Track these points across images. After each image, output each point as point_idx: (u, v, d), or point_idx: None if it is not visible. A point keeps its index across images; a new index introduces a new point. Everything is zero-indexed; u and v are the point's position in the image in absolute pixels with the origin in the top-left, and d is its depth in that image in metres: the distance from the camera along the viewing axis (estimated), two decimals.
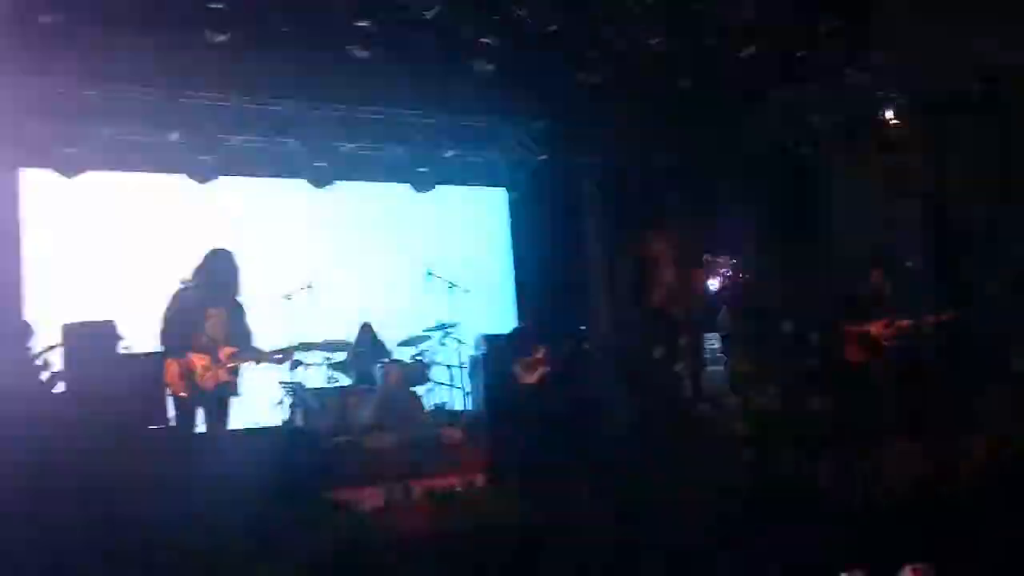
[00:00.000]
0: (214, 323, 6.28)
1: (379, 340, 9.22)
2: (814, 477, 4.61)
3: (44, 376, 6.34)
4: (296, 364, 8.51)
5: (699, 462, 4.72)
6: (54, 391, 6.24)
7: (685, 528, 4.27)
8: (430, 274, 9.67)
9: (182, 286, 6.38)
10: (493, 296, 10.69)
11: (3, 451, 4.57)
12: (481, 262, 10.70)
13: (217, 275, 6.35)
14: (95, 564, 3.44)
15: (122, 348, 6.36)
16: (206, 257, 6.46)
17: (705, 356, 8.32)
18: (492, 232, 11.00)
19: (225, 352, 6.19)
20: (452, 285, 9.59)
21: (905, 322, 7.53)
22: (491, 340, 9.67)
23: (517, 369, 8.98)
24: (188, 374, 6.05)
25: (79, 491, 3.85)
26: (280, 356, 6.66)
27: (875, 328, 7.57)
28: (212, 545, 3.63)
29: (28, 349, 6.71)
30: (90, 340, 6.16)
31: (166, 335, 6.23)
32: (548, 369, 8.94)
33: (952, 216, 8.43)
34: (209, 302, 6.31)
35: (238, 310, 6.53)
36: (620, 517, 4.33)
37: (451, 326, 9.43)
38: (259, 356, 6.50)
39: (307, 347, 7.24)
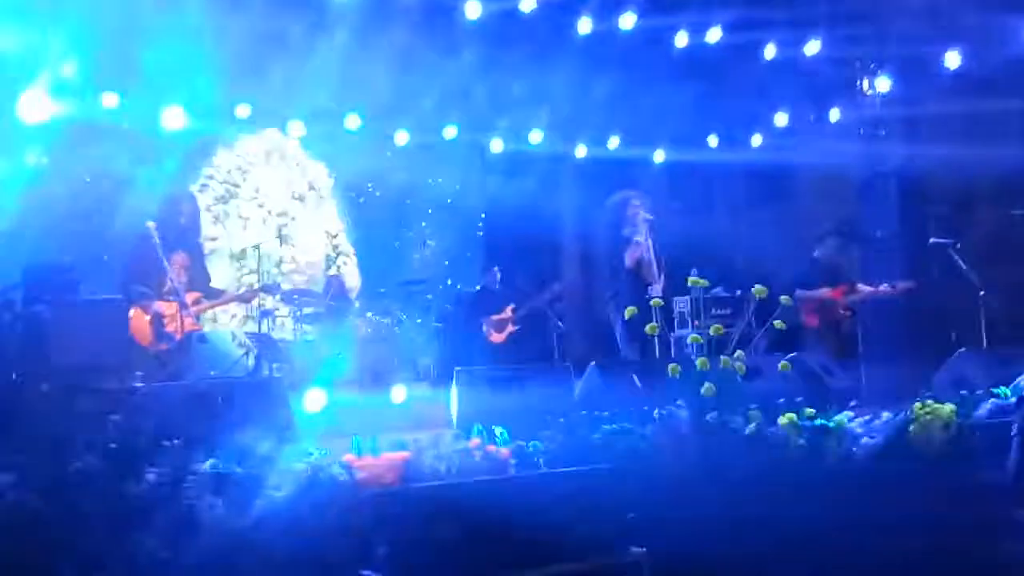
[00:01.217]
0: (177, 268, 6.17)
1: (347, 294, 9.21)
2: None
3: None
4: (264, 315, 8.48)
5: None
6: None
7: None
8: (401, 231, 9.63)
9: (143, 231, 6.24)
10: (459, 255, 10.69)
11: None
12: (450, 220, 10.70)
13: (178, 218, 6.24)
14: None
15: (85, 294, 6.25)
16: (167, 201, 6.34)
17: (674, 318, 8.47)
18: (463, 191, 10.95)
19: (192, 296, 6.10)
20: (424, 241, 9.55)
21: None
22: (463, 297, 9.73)
23: (486, 327, 9.08)
24: (157, 322, 5.96)
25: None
26: (246, 294, 6.61)
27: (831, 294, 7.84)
28: None
29: None
30: (52, 283, 6.02)
31: (129, 281, 6.12)
32: (515, 328, 9.06)
33: None
34: (171, 247, 6.17)
35: (199, 254, 6.45)
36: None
37: (419, 283, 9.43)
38: (226, 298, 6.44)
39: (270, 289, 7.11)
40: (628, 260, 6.74)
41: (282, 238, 9.71)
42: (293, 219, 10.05)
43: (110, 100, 8.33)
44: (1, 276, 6.72)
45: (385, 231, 10.36)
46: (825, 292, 7.90)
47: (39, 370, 3.99)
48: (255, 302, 8.52)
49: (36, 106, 7.93)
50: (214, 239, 9.53)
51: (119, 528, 3.38)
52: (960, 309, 7.20)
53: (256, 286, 7.08)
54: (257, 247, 8.68)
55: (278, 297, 9.00)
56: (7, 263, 7.42)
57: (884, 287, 7.81)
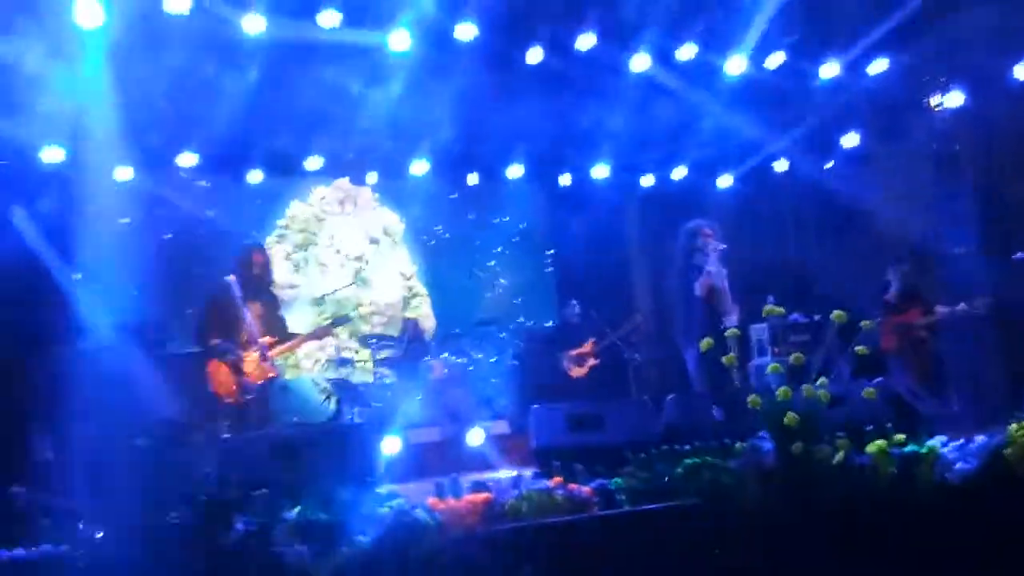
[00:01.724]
0: (254, 318, 6.29)
1: (423, 336, 9.31)
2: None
3: None
4: (343, 362, 8.65)
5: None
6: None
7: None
8: (472, 271, 9.72)
9: (223, 284, 6.39)
10: (531, 292, 10.73)
11: None
12: (519, 258, 10.78)
13: (251, 269, 6.38)
14: None
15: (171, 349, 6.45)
16: (240, 252, 6.51)
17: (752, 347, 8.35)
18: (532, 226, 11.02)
19: (267, 341, 6.17)
20: (494, 281, 9.62)
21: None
22: (534, 334, 9.76)
23: (565, 362, 9.08)
24: (237, 372, 6.05)
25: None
26: (318, 331, 6.72)
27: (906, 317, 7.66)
28: None
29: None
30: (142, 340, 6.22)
31: (208, 335, 6.21)
32: (596, 362, 9.04)
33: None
34: (245, 298, 6.30)
35: (273, 302, 6.60)
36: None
37: (492, 322, 9.48)
38: (300, 338, 6.57)
39: (340, 322, 7.18)
40: (699, 289, 6.67)
41: (360, 281, 9.97)
42: (368, 263, 10.28)
43: (189, 160, 8.65)
44: (95, 333, 7.02)
45: (456, 272, 10.47)
46: (902, 315, 7.72)
47: (131, 425, 4.13)
48: (328, 339, 8.77)
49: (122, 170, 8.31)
50: (294, 287, 9.82)
51: None
52: None
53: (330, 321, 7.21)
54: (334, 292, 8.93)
55: (355, 338, 9.18)
56: (100, 319, 7.75)
57: (962, 307, 7.58)
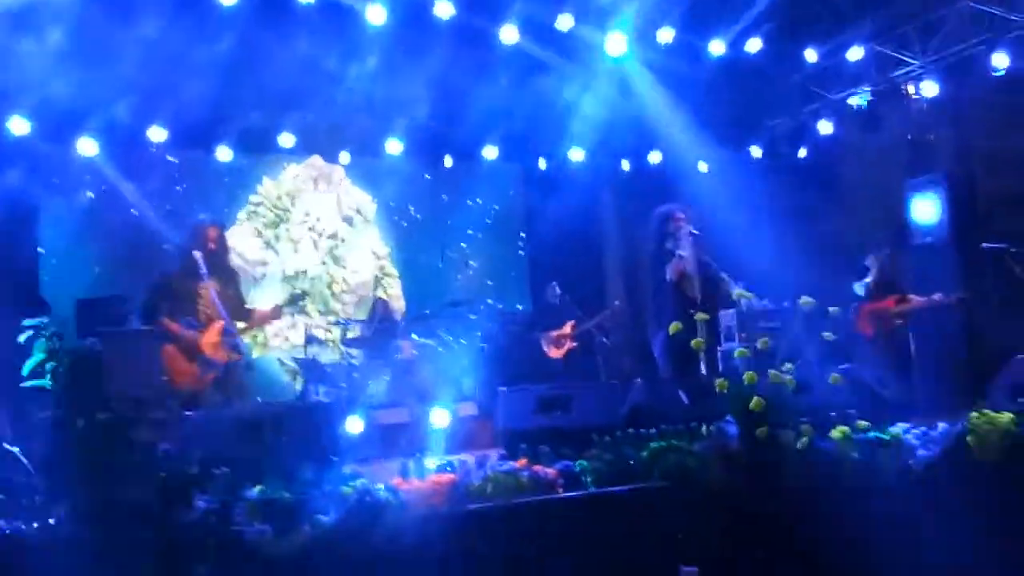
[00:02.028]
0: (206, 297, 6.13)
1: (392, 316, 9.26)
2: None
3: None
4: (311, 340, 8.59)
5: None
6: None
7: None
8: (444, 252, 9.68)
9: (180, 259, 6.22)
10: (502, 275, 10.72)
11: None
12: (492, 240, 10.76)
13: (207, 244, 6.18)
14: None
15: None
16: (194, 228, 6.33)
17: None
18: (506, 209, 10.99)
19: (227, 321, 5.99)
20: (467, 262, 9.58)
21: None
22: (513, 316, 9.75)
23: (544, 343, 9.09)
24: (201, 356, 5.89)
25: None
26: (273, 312, 6.62)
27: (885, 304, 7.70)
28: None
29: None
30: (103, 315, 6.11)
31: (159, 311, 5.96)
32: (574, 344, 9.05)
33: None
34: (202, 276, 6.07)
35: (231, 279, 6.46)
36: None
37: (462, 303, 9.45)
38: (262, 317, 6.46)
39: (295, 299, 7.07)
40: (671, 273, 6.67)
41: (333, 259, 9.90)
42: (343, 241, 10.22)
43: (159, 135, 8.52)
44: (54, 309, 6.91)
45: (428, 254, 10.42)
46: (879, 302, 7.77)
47: (90, 401, 4.06)
48: (299, 318, 8.70)
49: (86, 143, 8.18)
50: (264, 263, 9.73)
51: (171, 555, 3.41)
52: (1015, 315, 7.01)
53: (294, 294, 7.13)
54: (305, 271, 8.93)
55: (324, 318, 9.13)
56: (61, 296, 7.64)
57: (937, 297, 7.65)
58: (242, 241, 9.58)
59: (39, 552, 3.41)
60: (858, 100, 8.90)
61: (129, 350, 4.20)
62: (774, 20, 8.02)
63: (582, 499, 4.31)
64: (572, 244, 10.47)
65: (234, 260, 9.21)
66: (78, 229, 8.69)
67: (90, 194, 8.69)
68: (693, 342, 5.09)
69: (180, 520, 3.53)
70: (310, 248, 10.03)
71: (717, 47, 8.18)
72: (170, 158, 9.04)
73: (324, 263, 10.01)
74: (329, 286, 10.02)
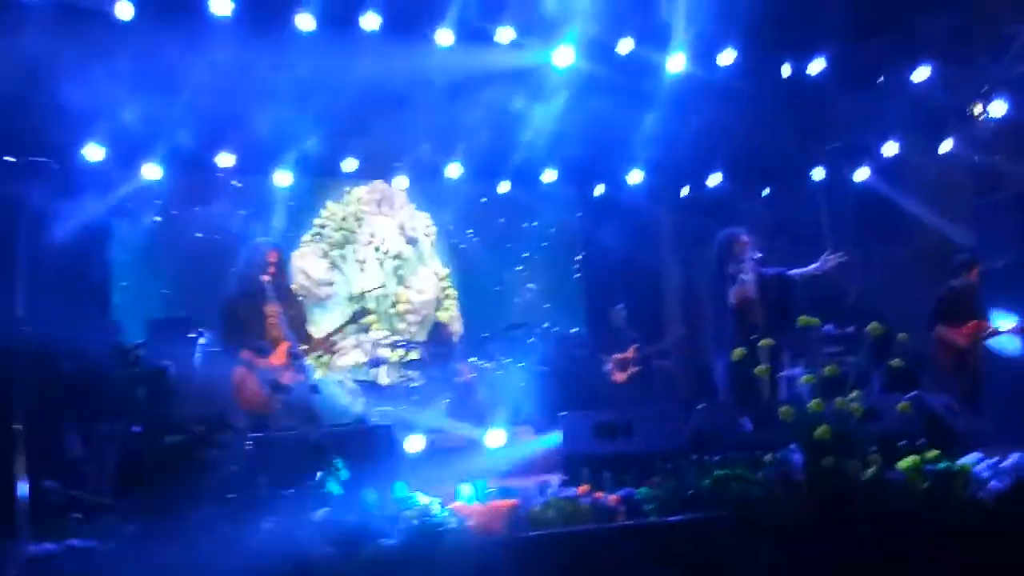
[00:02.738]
0: (272, 320, 6.22)
1: (451, 339, 9.33)
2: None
3: None
4: (375, 363, 8.67)
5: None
6: None
7: None
8: (503, 275, 9.72)
9: (248, 284, 6.31)
10: (559, 298, 10.72)
11: None
12: (548, 263, 10.77)
13: (268, 268, 6.26)
14: None
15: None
16: (254, 251, 6.42)
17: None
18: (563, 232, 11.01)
19: (294, 343, 6.07)
20: (523, 286, 9.61)
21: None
22: (575, 339, 9.74)
23: (609, 366, 9.06)
24: (272, 379, 5.96)
25: None
26: (338, 329, 6.68)
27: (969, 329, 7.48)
28: None
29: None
30: (174, 338, 6.24)
31: (233, 338, 6.06)
32: (638, 368, 9.01)
33: None
34: (261, 297, 6.18)
35: (293, 301, 6.55)
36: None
37: (521, 326, 9.47)
38: (328, 340, 6.52)
39: (357, 316, 7.14)
40: (733, 298, 6.61)
41: (398, 279, 10.12)
42: (407, 261, 10.36)
43: (226, 160, 8.73)
44: (127, 331, 7.09)
45: (486, 276, 10.48)
46: (965, 330, 7.52)
47: (163, 422, 4.16)
48: (363, 339, 8.76)
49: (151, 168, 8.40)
50: (331, 284, 9.90)
51: None
52: None
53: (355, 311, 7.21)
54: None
55: (383, 341, 9.22)
56: (131, 318, 7.84)
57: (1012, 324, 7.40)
58: (308, 262, 9.80)
59: (111, 570, 3.49)
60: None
61: (202, 372, 4.29)
62: (839, 39, 7.94)
63: (643, 527, 4.27)
64: (630, 268, 10.44)
65: (301, 281, 9.57)
66: (146, 252, 8.93)
67: (157, 218, 8.92)
68: (757, 369, 5.02)
69: (248, 541, 3.58)
70: (376, 268, 10.22)
71: (785, 68, 8.12)
72: (235, 183, 9.25)
73: (388, 283, 10.17)
74: (394, 305, 10.16)
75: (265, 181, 9.31)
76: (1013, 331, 7.40)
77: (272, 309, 6.22)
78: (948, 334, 7.58)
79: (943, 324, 7.64)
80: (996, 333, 7.46)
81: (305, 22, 6.92)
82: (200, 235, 8.99)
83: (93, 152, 7.96)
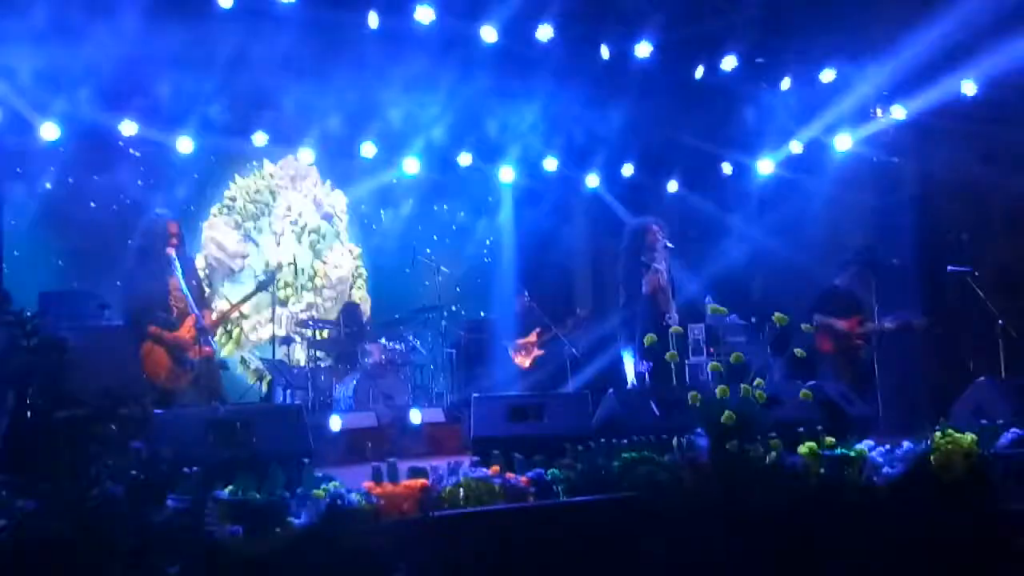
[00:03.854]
0: (177, 292, 6.04)
1: (361, 320, 9.23)
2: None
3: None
4: (284, 341, 8.52)
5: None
6: None
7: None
8: (416, 258, 9.65)
9: (152, 257, 6.11)
10: (468, 282, 10.72)
11: None
12: (459, 247, 10.76)
13: (170, 240, 6.08)
14: None
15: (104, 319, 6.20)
16: (154, 223, 6.21)
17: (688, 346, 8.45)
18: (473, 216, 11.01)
19: (203, 318, 5.90)
20: (438, 268, 9.56)
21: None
22: (480, 323, 9.76)
23: (512, 351, 9.08)
24: (179, 354, 5.79)
25: None
26: (244, 299, 6.55)
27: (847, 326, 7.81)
28: None
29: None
30: (73, 309, 5.99)
31: (140, 313, 5.87)
32: (541, 352, 9.05)
33: None
34: (165, 269, 5.99)
35: (193, 274, 6.39)
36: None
37: (432, 309, 9.44)
38: (229, 308, 6.35)
39: (264, 285, 7.00)
40: (646, 287, 6.72)
41: (315, 253, 10.04)
42: (324, 237, 10.22)
43: (128, 128, 8.40)
44: (16, 301, 6.74)
45: (396, 258, 10.40)
46: (841, 323, 7.87)
47: (60, 396, 3.98)
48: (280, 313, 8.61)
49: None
50: (244, 256, 9.71)
51: (140, 556, 3.36)
52: (978, 338, 7.16)
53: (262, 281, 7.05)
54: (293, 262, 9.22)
55: (293, 322, 9.08)
56: (23, 288, 7.48)
57: (888, 323, 7.79)
58: (220, 233, 9.57)
59: (4, 548, 3.33)
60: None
61: (104, 346, 4.14)
62: (743, 41, 8.15)
63: (553, 508, 4.32)
64: (540, 253, 10.50)
65: (213, 252, 9.35)
66: (40, 221, 8.54)
67: (48, 185, 8.53)
68: (668, 355, 5.12)
69: (150, 519, 3.47)
70: (292, 241, 10.08)
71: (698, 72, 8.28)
72: (132, 151, 8.89)
73: (305, 257, 10.07)
74: (311, 279, 10.02)
75: (166, 151, 9.00)
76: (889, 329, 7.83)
77: (176, 282, 6.03)
78: (829, 323, 7.89)
79: (832, 316, 7.96)
80: (874, 331, 7.86)
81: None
82: (94, 205, 8.62)
83: None
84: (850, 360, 7.87)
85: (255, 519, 3.67)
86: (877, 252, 8.37)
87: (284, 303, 9.77)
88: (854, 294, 8.04)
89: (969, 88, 7.90)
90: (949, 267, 7.29)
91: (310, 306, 9.99)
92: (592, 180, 10.47)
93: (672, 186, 10.10)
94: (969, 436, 4.86)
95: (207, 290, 9.09)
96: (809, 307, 7.77)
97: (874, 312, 7.95)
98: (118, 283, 6.80)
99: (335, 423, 5.91)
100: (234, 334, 9.43)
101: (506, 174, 10.38)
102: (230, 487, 3.80)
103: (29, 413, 4.31)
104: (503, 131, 9.56)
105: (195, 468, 3.83)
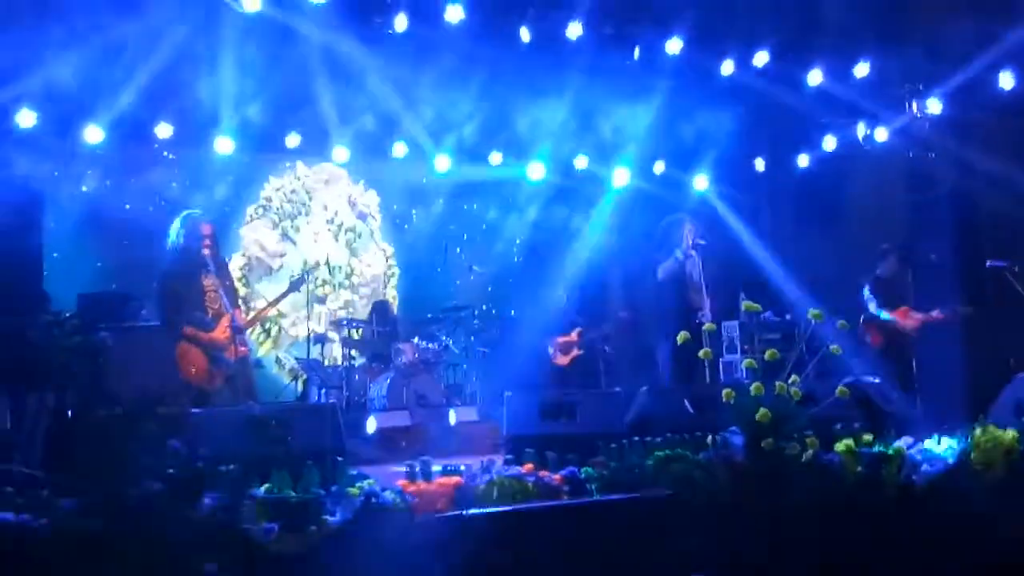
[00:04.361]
0: (213, 292, 6.11)
1: (394, 319, 9.27)
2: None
3: None
4: (319, 340, 8.58)
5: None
6: None
7: None
8: (446, 256, 9.68)
9: (187, 257, 6.17)
10: (500, 281, 10.72)
11: None
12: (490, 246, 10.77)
13: (203, 240, 6.14)
14: None
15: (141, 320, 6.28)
16: (189, 223, 6.28)
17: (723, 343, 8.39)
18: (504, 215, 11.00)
19: (237, 317, 5.96)
20: (471, 267, 9.57)
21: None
22: (517, 321, 9.74)
23: (551, 349, 9.06)
24: (215, 354, 5.85)
25: None
26: (279, 297, 6.62)
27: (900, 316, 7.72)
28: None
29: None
30: (111, 310, 6.07)
31: (176, 313, 5.92)
32: (580, 352, 9.02)
33: None
34: (200, 269, 6.08)
35: (227, 274, 6.46)
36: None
37: (464, 308, 9.46)
38: (264, 307, 6.40)
39: (301, 281, 7.08)
40: (663, 272, 6.73)
41: (351, 252, 10.19)
42: (359, 235, 10.34)
43: (164, 131, 8.51)
44: (55, 302, 6.86)
45: (429, 257, 10.43)
46: (896, 315, 7.79)
47: (99, 395, 4.06)
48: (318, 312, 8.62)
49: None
50: (283, 255, 9.83)
51: (179, 552, 3.40)
52: (1018, 333, 7.04)
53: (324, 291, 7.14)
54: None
55: (329, 320, 9.15)
56: (62, 290, 7.60)
57: (935, 313, 7.70)
58: (261, 234, 9.68)
59: (46, 545, 3.39)
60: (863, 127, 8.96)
61: (141, 346, 4.19)
62: (781, 33, 8.06)
63: (587, 506, 4.31)
64: (573, 252, 10.46)
65: (255, 252, 9.49)
66: (80, 223, 8.67)
67: (84, 188, 8.66)
68: (701, 352, 5.09)
69: (188, 516, 3.52)
70: (330, 239, 10.19)
71: (727, 66, 8.20)
72: (167, 154, 8.99)
73: (342, 255, 10.21)
74: (348, 277, 10.14)
75: (201, 153, 9.09)
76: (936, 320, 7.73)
77: (211, 282, 6.11)
78: (875, 318, 7.81)
79: (876, 311, 7.87)
80: (928, 319, 7.75)
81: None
82: (129, 207, 8.73)
83: (25, 118, 7.66)
84: (899, 353, 7.78)
85: (291, 516, 3.72)
86: (913, 248, 8.27)
87: (322, 300, 9.91)
88: (897, 283, 7.94)
89: (1007, 81, 7.76)
90: (988, 262, 7.17)
91: (347, 303, 10.08)
92: (622, 177, 10.41)
93: (701, 183, 9.99)
94: (1011, 433, 4.79)
95: (244, 290, 9.24)
96: (858, 299, 7.72)
97: (911, 308, 7.86)
98: (155, 284, 6.91)
99: (371, 424, 5.94)
100: (272, 332, 9.54)
101: (535, 172, 10.35)
102: (266, 485, 3.85)
103: (69, 413, 4.40)
104: (533, 128, 9.53)
105: (231, 466, 3.87)
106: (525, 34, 7.62)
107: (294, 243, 9.97)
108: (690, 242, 6.77)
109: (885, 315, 7.84)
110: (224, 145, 8.79)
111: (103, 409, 4.05)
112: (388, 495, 3.97)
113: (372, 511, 3.86)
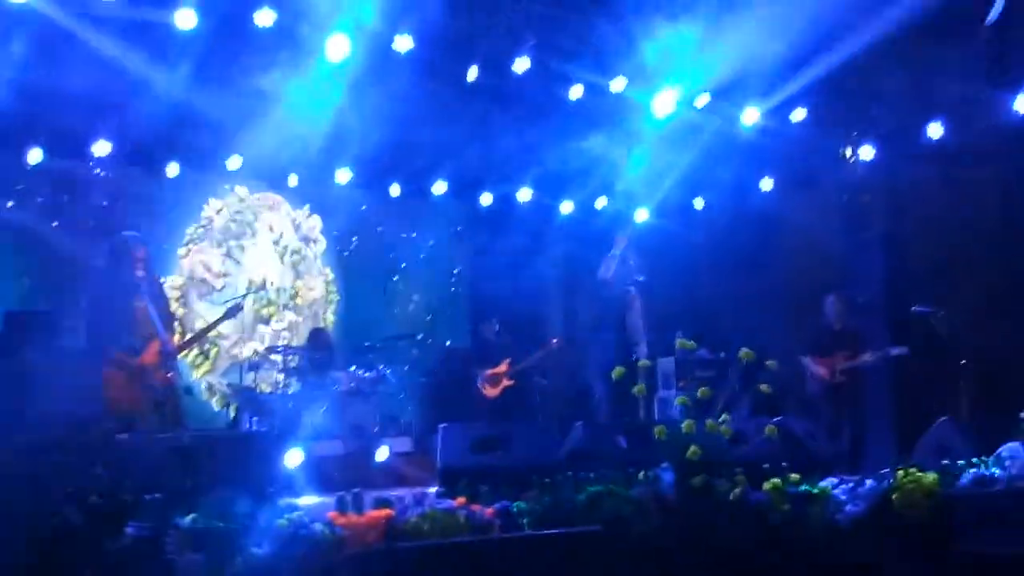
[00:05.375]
0: (143, 316, 5.99)
1: (331, 346, 9.18)
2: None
3: None
4: (253, 367, 8.46)
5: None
6: None
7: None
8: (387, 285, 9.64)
9: (118, 278, 6.04)
10: (440, 311, 10.70)
11: None
12: (429, 275, 10.76)
13: (137, 262, 6.04)
14: None
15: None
16: (120, 244, 6.16)
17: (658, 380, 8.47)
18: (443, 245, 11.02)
19: (168, 342, 5.84)
20: (407, 296, 9.55)
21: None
22: (451, 352, 9.71)
23: (480, 381, 9.03)
24: (143, 379, 5.72)
25: None
26: (212, 325, 6.51)
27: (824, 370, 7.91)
28: None
29: None
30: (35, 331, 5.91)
31: (104, 336, 5.85)
32: (511, 383, 9.01)
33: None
34: (132, 292, 5.98)
35: (162, 296, 6.34)
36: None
37: (402, 337, 9.41)
38: (198, 333, 6.30)
39: (231, 313, 6.99)
40: (603, 271, 6.83)
41: (296, 273, 10.11)
42: (304, 258, 10.24)
43: (101, 149, 8.36)
44: None
45: (368, 285, 10.37)
46: (820, 368, 7.97)
47: (19, 419, 3.93)
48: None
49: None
50: (226, 275, 9.66)
51: None
52: (942, 377, 7.24)
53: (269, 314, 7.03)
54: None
55: (262, 349, 9.01)
56: None
57: (867, 357, 7.90)
58: (206, 256, 9.52)
59: None
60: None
61: (67, 368, 4.08)
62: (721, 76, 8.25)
63: (518, 540, 4.31)
64: (512, 282, 10.49)
65: (200, 274, 9.32)
66: (7, 238, 8.44)
67: (10, 203, 8.44)
68: (635, 388, 5.15)
69: (110, 547, 3.43)
70: (276, 260, 10.07)
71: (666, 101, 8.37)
72: (99, 171, 8.81)
73: (287, 276, 10.10)
74: (292, 298, 10.04)
75: (137, 173, 8.94)
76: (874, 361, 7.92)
77: (143, 305, 5.99)
78: (813, 365, 8.00)
79: (812, 355, 8.06)
80: (854, 365, 7.95)
81: (186, 19, 6.62)
82: (60, 224, 8.53)
83: None
84: (832, 399, 7.95)
85: (216, 548, 3.65)
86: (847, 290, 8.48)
87: (267, 321, 9.80)
88: (835, 329, 8.13)
89: (935, 130, 8.05)
90: (913, 308, 7.38)
91: (292, 324, 9.97)
92: (566, 207, 10.53)
93: (641, 216, 10.11)
94: (931, 475, 4.92)
95: (183, 310, 9.06)
96: (805, 346, 7.97)
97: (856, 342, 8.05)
98: (83, 306, 6.75)
99: (302, 453, 5.86)
100: (211, 354, 9.36)
101: (482, 201, 10.42)
102: (192, 515, 3.77)
103: None
104: (480, 160, 9.59)
105: (157, 495, 3.79)
106: (473, 72, 7.67)
107: (238, 263, 9.82)
108: (623, 246, 6.85)
109: (805, 360, 8.05)
110: (171, 169, 8.71)
111: (24, 434, 3.93)
112: (317, 527, 3.92)
113: (300, 543, 3.81)
